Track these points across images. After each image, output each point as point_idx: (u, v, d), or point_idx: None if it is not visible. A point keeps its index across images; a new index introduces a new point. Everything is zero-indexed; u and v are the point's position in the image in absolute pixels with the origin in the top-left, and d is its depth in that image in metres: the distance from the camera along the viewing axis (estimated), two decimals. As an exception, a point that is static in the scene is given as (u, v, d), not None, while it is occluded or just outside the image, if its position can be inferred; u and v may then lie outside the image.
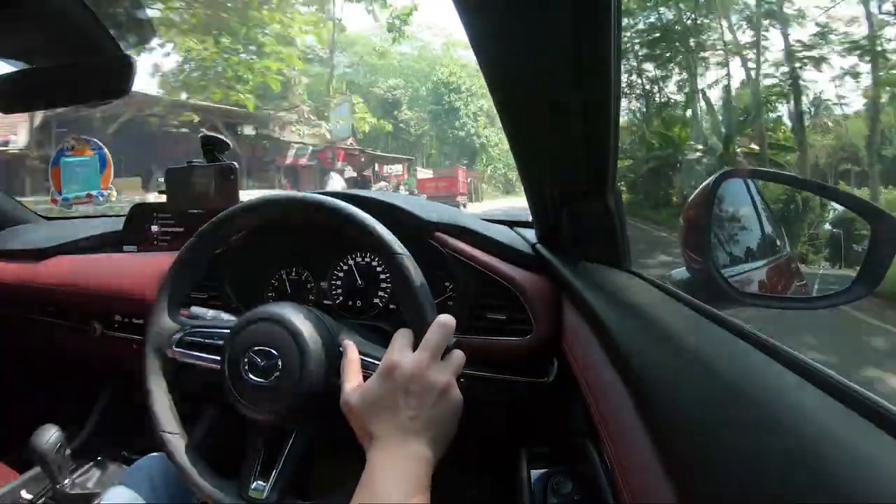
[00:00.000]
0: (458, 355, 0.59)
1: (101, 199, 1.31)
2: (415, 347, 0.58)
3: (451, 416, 0.56)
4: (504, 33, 0.48)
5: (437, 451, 0.54)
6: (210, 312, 0.80)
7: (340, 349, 0.66)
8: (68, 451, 0.99)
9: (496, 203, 23.27)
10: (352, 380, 0.60)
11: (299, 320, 0.66)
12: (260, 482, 0.67)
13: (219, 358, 0.69)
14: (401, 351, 0.57)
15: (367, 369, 0.63)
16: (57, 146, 1.33)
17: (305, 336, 0.65)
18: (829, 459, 0.23)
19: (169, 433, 0.70)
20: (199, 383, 0.75)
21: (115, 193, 1.35)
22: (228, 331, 0.70)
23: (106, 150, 1.36)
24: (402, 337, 0.60)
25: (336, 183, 13.44)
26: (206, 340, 0.73)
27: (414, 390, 0.54)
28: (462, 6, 0.45)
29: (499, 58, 0.52)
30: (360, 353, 0.65)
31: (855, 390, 0.29)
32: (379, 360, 0.61)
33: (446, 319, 0.58)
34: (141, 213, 1.20)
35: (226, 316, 0.80)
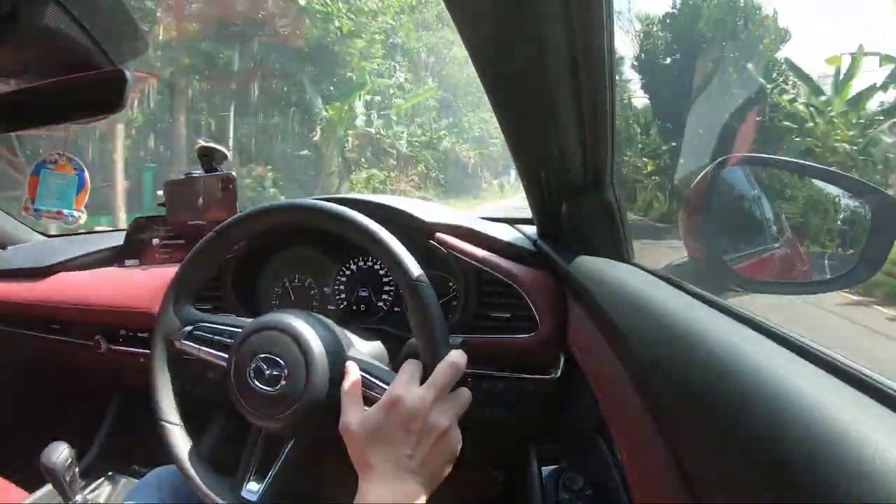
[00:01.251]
0: (464, 395, 0.58)
1: (70, 218, 1.30)
2: (423, 380, 0.58)
3: (446, 459, 0.56)
4: (498, 29, 0.48)
5: (428, 490, 0.54)
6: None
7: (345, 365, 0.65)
8: (78, 468, 0.99)
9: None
10: (352, 405, 0.59)
11: (306, 330, 0.66)
12: (255, 483, 0.67)
13: (226, 356, 0.69)
14: (407, 385, 0.56)
15: (371, 390, 0.62)
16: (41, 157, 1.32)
17: (312, 346, 0.65)
18: (844, 447, 0.23)
19: (168, 423, 0.70)
20: (209, 391, 0.75)
21: (84, 217, 1.34)
22: (238, 330, 0.70)
23: (87, 172, 1.36)
24: (410, 368, 0.59)
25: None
26: (215, 337, 0.73)
27: (414, 429, 0.54)
28: (453, 1, 0.45)
29: (493, 54, 0.52)
30: (366, 373, 0.64)
31: (868, 375, 0.29)
32: (384, 383, 0.61)
33: (457, 358, 0.58)
34: (141, 227, 1.21)
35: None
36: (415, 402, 0.55)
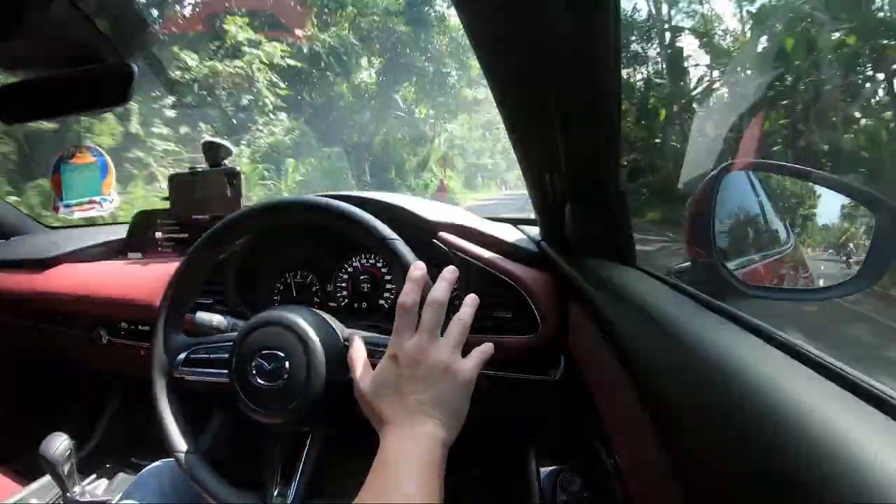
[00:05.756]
0: (457, 329, 0.59)
1: (106, 203, 1.31)
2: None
3: (458, 393, 0.56)
4: (504, 30, 0.48)
5: (449, 430, 0.54)
6: (216, 318, 0.80)
7: (346, 343, 0.66)
8: (77, 459, 1.00)
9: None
10: (361, 370, 0.61)
11: (304, 322, 0.67)
12: (282, 488, 0.68)
13: (226, 371, 0.69)
14: (403, 336, 0.58)
15: (375, 357, 0.64)
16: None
17: (311, 337, 0.66)
18: (848, 460, 0.23)
19: (183, 453, 0.70)
20: (209, 391, 0.75)
21: (118, 200, 1.34)
22: (232, 343, 0.70)
23: (107, 156, 1.36)
24: (403, 321, 0.60)
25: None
26: (212, 356, 0.73)
27: (419, 374, 0.55)
28: (461, 2, 0.45)
29: (499, 55, 0.52)
30: (369, 342, 0.66)
31: (871, 384, 0.28)
32: (386, 345, 0.62)
33: (436, 296, 0.58)
34: (145, 220, 1.21)
35: (230, 322, 0.80)
36: (412, 347, 0.56)
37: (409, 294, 0.58)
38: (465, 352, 0.59)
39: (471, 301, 0.62)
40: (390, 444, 0.53)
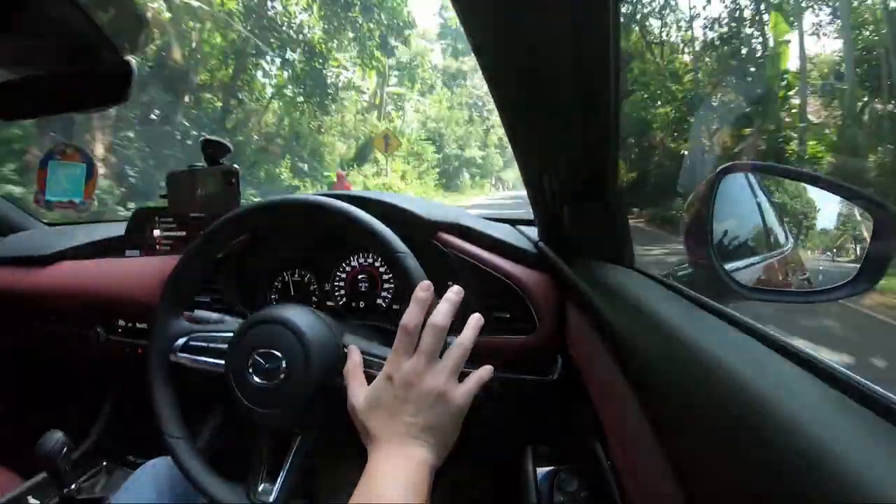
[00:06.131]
0: (456, 354, 0.59)
1: (82, 206, 1.33)
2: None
3: (449, 420, 0.56)
4: (503, 29, 0.48)
5: (437, 455, 0.55)
6: (214, 316, 0.80)
7: (345, 350, 0.66)
8: (74, 457, 0.99)
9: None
10: (356, 383, 0.61)
11: (303, 322, 0.67)
12: (266, 484, 0.68)
13: (223, 362, 0.69)
14: (400, 356, 0.58)
15: (372, 368, 0.63)
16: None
17: (309, 337, 0.65)
18: (843, 460, 0.23)
19: (174, 438, 0.70)
20: (204, 386, 0.75)
21: (95, 204, 1.36)
22: (230, 334, 0.70)
23: (94, 160, 1.38)
24: (402, 340, 0.60)
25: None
26: (211, 345, 0.73)
27: (412, 395, 0.55)
28: (460, 2, 0.45)
29: (498, 55, 0.52)
30: (366, 353, 0.66)
31: (864, 385, 0.29)
32: (384, 359, 0.62)
33: (437, 320, 0.58)
34: (143, 218, 1.21)
35: (230, 319, 0.80)
36: (408, 370, 0.56)
37: (412, 316, 0.58)
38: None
39: (474, 323, 0.61)
40: (377, 463, 0.53)
